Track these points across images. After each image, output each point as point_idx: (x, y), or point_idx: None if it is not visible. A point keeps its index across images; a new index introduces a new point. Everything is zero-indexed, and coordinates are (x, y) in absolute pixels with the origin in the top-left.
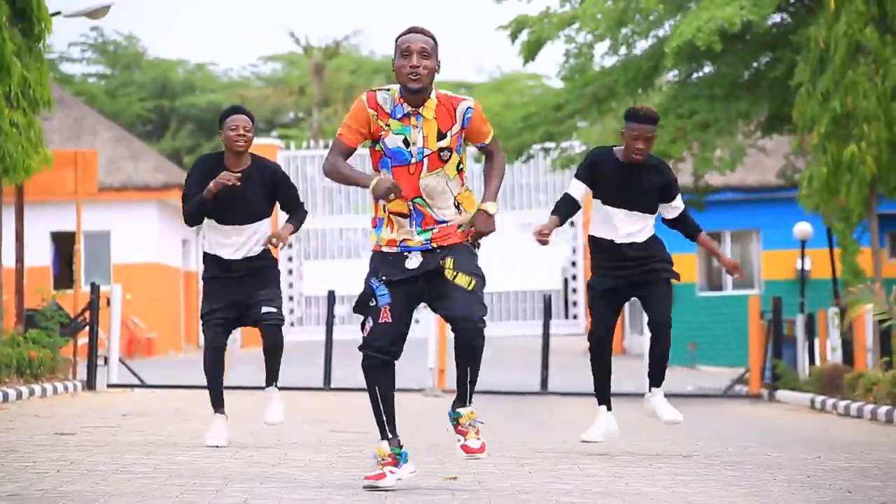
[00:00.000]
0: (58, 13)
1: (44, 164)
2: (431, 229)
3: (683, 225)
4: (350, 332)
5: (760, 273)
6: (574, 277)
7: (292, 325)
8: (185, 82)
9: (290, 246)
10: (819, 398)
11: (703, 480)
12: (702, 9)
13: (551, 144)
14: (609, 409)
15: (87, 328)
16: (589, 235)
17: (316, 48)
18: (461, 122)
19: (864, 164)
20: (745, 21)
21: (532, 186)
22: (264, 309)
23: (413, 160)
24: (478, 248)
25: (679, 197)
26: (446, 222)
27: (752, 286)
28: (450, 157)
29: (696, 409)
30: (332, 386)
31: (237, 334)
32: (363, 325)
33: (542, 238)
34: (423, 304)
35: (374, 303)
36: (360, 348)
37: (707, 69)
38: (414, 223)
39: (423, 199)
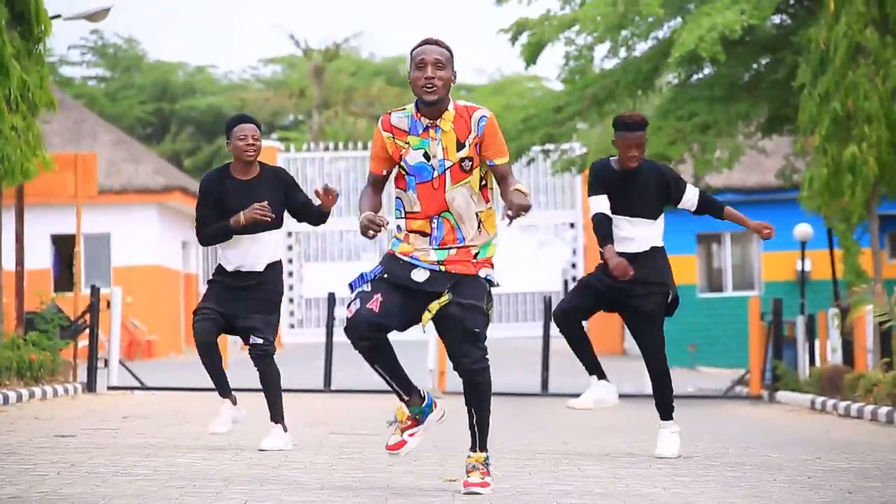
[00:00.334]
0: (57, 16)
1: (42, 167)
2: (448, 249)
3: (708, 211)
4: None
5: (761, 274)
6: (574, 279)
7: (292, 326)
8: (185, 85)
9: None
10: (819, 399)
11: (703, 481)
12: (702, 15)
13: (551, 146)
14: (600, 377)
15: (87, 331)
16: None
17: (316, 50)
18: (476, 130)
19: (865, 165)
20: (746, 25)
21: (532, 188)
22: (252, 339)
23: (436, 173)
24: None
25: (689, 190)
26: (464, 243)
27: (753, 287)
28: (471, 167)
29: (697, 410)
30: (333, 388)
31: None
32: (349, 304)
33: (626, 273)
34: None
35: (369, 288)
36: (345, 330)
37: (707, 71)
38: (434, 241)
39: (450, 213)
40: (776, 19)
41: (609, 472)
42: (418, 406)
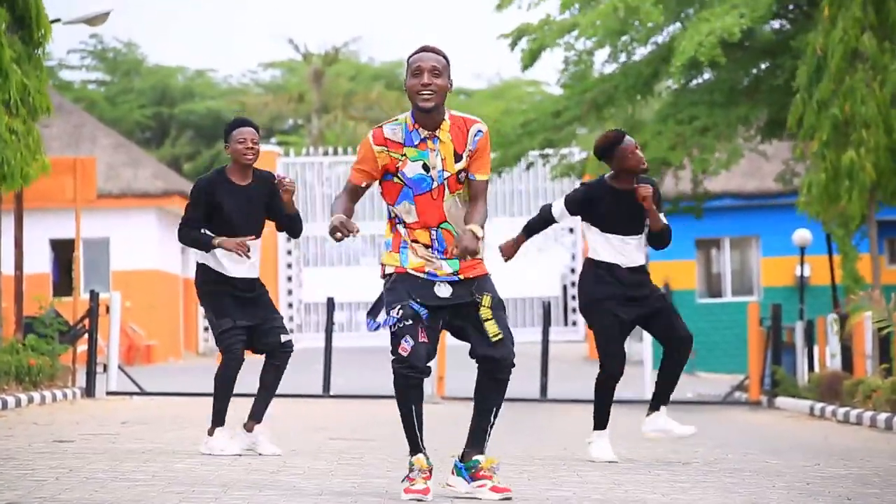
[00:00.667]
0: (57, 20)
1: (42, 171)
2: (457, 258)
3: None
4: (349, 339)
5: (760, 280)
6: (573, 284)
7: (291, 331)
8: (185, 89)
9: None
10: (818, 405)
11: (702, 487)
12: (701, 20)
13: (550, 151)
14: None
15: (86, 335)
16: (593, 260)
17: (315, 55)
18: (472, 144)
19: (863, 170)
20: (745, 29)
21: (531, 193)
22: (283, 338)
23: (435, 184)
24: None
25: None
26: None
27: (752, 293)
28: (465, 178)
29: (696, 415)
30: (332, 393)
31: None
32: (398, 343)
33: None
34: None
35: (410, 322)
36: (399, 367)
37: (707, 76)
38: (437, 253)
39: (448, 224)
40: (775, 24)
41: (608, 479)
42: (431, 461)
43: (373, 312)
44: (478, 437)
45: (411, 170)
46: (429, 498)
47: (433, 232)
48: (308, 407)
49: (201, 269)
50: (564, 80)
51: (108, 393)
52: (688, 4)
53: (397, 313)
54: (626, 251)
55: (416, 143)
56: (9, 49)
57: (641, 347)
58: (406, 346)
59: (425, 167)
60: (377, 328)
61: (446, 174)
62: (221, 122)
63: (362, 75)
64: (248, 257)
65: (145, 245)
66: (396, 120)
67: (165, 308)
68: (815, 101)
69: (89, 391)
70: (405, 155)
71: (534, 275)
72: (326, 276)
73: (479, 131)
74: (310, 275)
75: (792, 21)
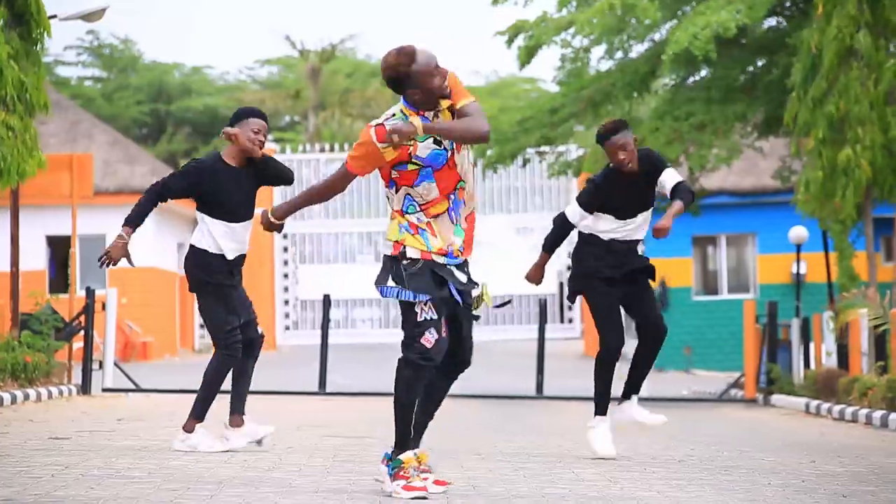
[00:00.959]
0: (53, 16)
1: (38, 168)
2: (461, 225)
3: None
4: (345, 336)
5: (756, 277)
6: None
7: (287, 329)
8: (181, 86)
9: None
10: (814, 402)
11: (697, 485)
12: (697, 14)
13: (547, 148)
14: (605, 413)
15: (82, 332)
16: (589, 234)
17: (312, 52)
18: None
19: (859, 167)
20: (741, 25)
21: (528, 190)
22: (260, 329)
23: (448, 153)
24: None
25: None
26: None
27: (748, 290)
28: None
29: (692, 413)
30: (328, 390)
31: None
32: (421, 333)
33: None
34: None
35: (435, 314)
36: (418, 358)
37: (703, 72)
38: (454, 214)
39: (463, 182)
40: (771, 21)
41: (604, 476)
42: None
43: (381, 281)
44: (420, 431)
45: (424, 150)
46: (429, 495)
47: (451, 197)
48: (304, 404)
49: (210, 259)
50: (561, 78)
51: (104, 390)
52: (685, 2)
53: (426, 305)
54: (626, 229)
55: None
56: (6, 45)
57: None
58: (430, 338)
59: (436, 141)
60: (397, 294)
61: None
62: (218, 119)
63: (359, 72)
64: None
65: (141, 242)
66: (393, 115)
67: (161, 305)
68: (809, 98)
69: (85, 388)
70: (413, 139)
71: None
72: (322, 273)
73: (448, 72)
74: (305, 272)
75: (788, 18)
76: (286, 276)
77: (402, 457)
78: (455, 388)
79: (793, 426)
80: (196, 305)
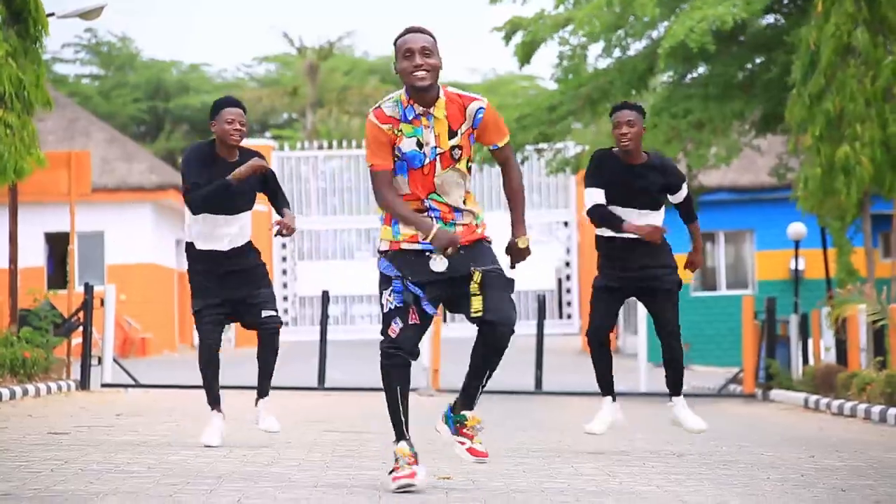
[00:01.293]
0: (51, 14)
1: (37, 165)
2: (453, 223)
3: (685, 212)
4: (344, 332)
5: (754, 273)
6: (568, 277)
7: (286, 324)
8: (179, 83)
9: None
10: (813, 398)
11: (696, 479)
12: (694, 8)
13: (545, 146)
14: (614, 399)
15: (80, 328)
16: (595, 235)
17: (310, 49)
18: (471, 122)
19: (859, 164)
20: (738, 21)
21: (526, 187)
22: (265, 313)
23: (427, 160)
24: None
25: (682, 190)
26: (461, 218)
27: (746, 286)
28: (461, 155)
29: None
30: (327, 386)
31: (230, 333)
32: (388, 324)
33: (657, 236)
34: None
35: (401, 303)
36: (387, 348)
37: (701, 69)
38: (432, 219)
39: (438, 195)
40: (770, 18)
41: (603, 471)
42: (414, 448)
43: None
44: (469, 395)
45: (406, 145)
46: (417, 481)
47: (425, 202)
48: (303, 400)
49: (192, 252)
50: (559, 75)
51: (103, 385)
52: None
53: (389, 296)
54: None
55: (410, 118)
56: (4, 43)
57: (637, 341)
58: (395, 327)
59: (419, 143)
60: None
61: (439, 150)
62: None
63: (357, 70)
64: (266, 172)
65: (140, 239)
66: (391, 98)
67: (160, 301)
68: (807, 95)
69: (84, 383)
70: (401, 130)
71: (529, 268)
72: (321, 270)
73: (481, 108)
74: (304, 268)
75: (786, 15)
76: (285, 272)
77: (465, 413)
78: (453, 384)
79: (792, 421)
80: None
